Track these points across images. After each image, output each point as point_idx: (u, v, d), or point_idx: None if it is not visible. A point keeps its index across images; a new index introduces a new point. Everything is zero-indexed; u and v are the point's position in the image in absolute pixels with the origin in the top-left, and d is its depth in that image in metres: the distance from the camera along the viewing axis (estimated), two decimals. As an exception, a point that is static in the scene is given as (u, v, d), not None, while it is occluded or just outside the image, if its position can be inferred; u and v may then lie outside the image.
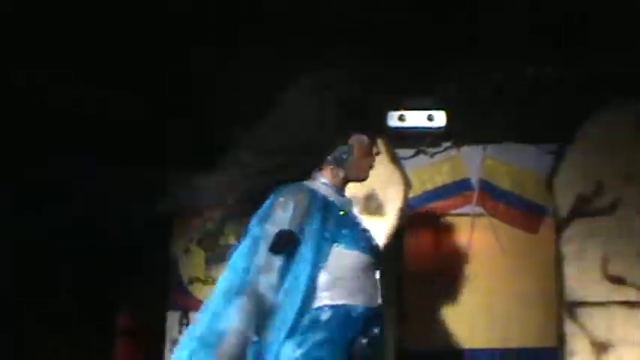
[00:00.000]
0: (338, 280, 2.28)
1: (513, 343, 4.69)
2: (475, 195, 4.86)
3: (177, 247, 4.86)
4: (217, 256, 4.64)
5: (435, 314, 4.83)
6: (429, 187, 4.90)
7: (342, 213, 2.38)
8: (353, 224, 2.41)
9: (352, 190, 4.83)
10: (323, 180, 2.43)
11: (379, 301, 2.36)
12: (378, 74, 4.52)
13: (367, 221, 4.66)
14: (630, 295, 4.45)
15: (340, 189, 2.47)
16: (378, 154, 2.52)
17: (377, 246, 2.47)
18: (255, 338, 2.20)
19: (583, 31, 4.24)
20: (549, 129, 4.62)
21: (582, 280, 4.52)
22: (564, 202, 4.65)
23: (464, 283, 4.41)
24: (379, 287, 2.38)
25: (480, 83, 4.73)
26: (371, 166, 2.52)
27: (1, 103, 4.22)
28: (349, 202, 2.49)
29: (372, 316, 2.32)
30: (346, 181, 2.48)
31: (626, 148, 4.62)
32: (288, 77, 2.45)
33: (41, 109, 4.35)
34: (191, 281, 4.88)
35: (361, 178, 2.53)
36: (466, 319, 4.60)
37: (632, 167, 4.61)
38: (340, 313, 2.26)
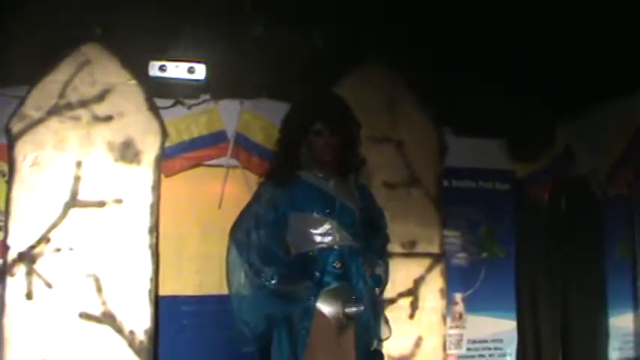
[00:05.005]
0: None
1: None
2: (230, 147, 5.02)
3: None
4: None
5: (187, 262, 4.95)
6: (186, 137, 4.97)
7: None
8: None
9: (109, 137, 4.76)
10: None
11: None
12: (141, 23, 4.52)
13: (123, 169, 4.67)
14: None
15: None
16: None
17: None
18: None
19: None
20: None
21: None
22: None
23: (216, 232, 4.54)
24: None
25: (242, 40, 4.86)
26: None
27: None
28: None
29: None
30: None
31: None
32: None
33: None
34: None
35: None
36: (216, 268, 4.73)
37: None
38: None
